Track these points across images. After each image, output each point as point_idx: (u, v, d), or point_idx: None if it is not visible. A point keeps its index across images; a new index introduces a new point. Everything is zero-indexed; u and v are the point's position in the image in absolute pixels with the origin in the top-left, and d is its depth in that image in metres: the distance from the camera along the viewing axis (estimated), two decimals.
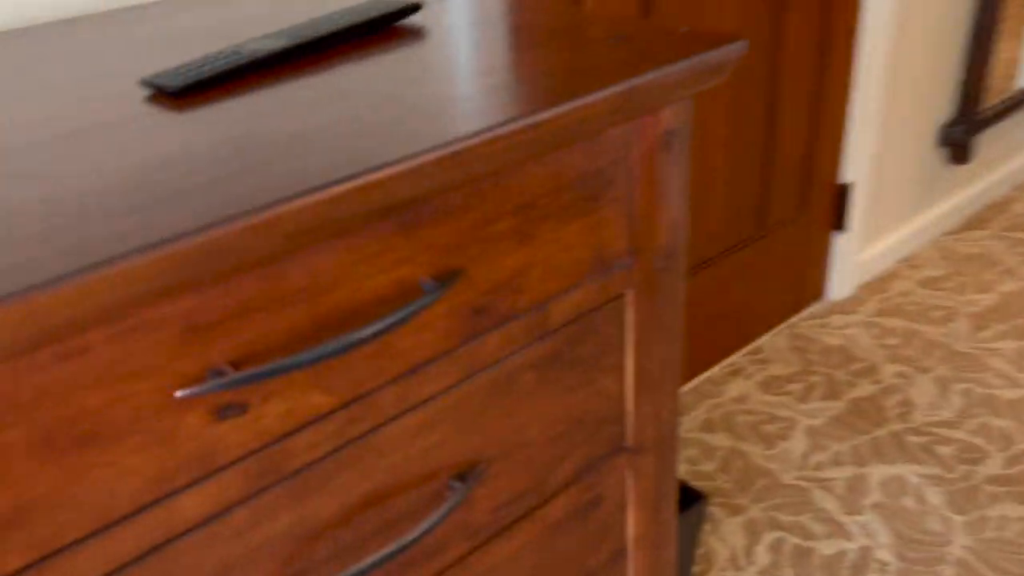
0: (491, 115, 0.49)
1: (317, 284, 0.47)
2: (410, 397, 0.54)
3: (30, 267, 0.36)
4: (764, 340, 1.76)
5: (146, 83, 0.55)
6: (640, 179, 0.61)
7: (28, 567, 0.42)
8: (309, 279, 0.46)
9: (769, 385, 1.63)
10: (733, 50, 0.58)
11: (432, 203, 0.50)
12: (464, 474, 0.59)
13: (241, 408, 0.46)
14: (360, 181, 0.43)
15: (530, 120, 0.49)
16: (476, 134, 0.47)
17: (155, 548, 0.46)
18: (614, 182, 0.60)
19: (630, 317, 0.66)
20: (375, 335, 0.47)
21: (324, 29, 0.62)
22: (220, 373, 0.45)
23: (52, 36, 0.70)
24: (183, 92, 0.54)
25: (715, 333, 1.65)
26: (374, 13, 0.65)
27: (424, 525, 0.55)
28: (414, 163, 0.45)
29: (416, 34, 0.64)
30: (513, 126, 0.48)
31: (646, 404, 0.71)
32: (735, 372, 1.67)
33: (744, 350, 1.73)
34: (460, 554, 0.62)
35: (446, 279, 0.51)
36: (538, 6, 0.70)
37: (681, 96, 0.58)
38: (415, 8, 0.67)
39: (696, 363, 1.64)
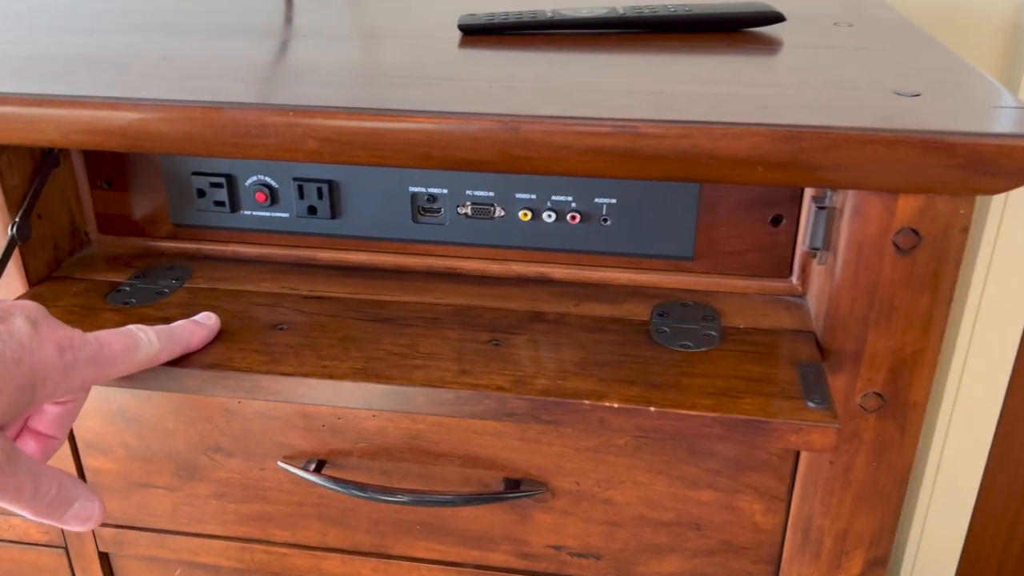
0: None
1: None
2: None
3: None
4: None
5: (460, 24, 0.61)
6: (850, 267, 0.45)
7: None
8: None
9: None
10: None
11: None
12: (519, 481, 0.55)
13: None
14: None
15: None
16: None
17: None
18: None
19: (806, 456, 0.50)
20: None
21: (665, 15, 0.59)
22: None
23: None
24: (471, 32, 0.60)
25: None
26: (727, 13, 0.60)
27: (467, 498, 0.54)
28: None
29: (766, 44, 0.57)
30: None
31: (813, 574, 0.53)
32: None
33: None
34: (506, 563, 0.58)
35: None
36: None
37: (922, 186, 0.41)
38: (777, 18, 0.59)
39: None
